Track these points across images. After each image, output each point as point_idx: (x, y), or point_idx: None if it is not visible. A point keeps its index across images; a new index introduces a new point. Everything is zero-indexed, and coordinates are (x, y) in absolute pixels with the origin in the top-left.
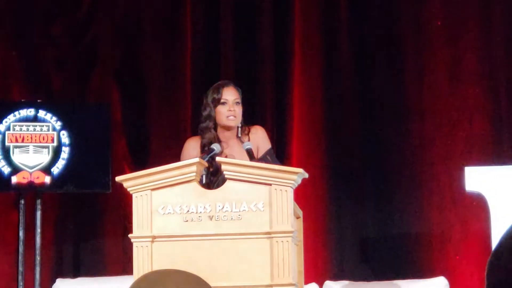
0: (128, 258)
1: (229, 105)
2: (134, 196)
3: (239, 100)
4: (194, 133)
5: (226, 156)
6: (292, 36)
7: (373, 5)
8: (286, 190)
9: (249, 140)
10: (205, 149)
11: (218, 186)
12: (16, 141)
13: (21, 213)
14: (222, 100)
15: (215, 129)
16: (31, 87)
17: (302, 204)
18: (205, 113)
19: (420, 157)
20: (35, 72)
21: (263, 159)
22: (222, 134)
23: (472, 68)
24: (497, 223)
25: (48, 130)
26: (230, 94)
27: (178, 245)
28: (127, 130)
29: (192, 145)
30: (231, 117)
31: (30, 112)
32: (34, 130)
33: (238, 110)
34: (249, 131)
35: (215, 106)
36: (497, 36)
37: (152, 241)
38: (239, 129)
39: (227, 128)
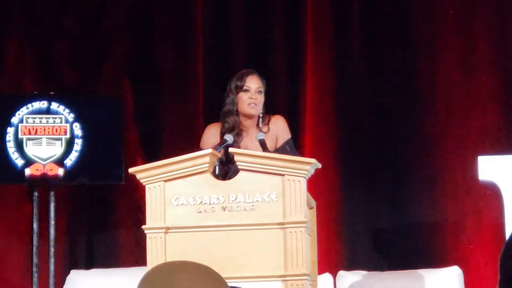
0: (141, 250)
1: (251, 93)
2: (147, 187)
3: (261, 89)
4: (207, 124)
5: (242, 147)
6: (304, 27)
7: None
8: (299, 181)
9: (268, 130)
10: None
11: (231, 176)
12: (29, 133)
13: (34, 205)
14: (245, 87)
15: (237, 113)
16: (44, 79)
17: (315, 194)
18: (227, 100)
19: (433, 147)
20: (47, 65)
21: (282, 149)
22: (243, 122)
23: (485, 57)
24: (511, 212)
25: (61, 122)
26: (253, 82)
27: (192, 236)
28: (140, 121)
29: (212, 132)
30: (252, 105)
31: (43, 104)
32: (47, 122)
33: (260, 98)
34: (269, 121)
35: (237, 93)
36: (510, 25)
37: (166, 232)
38: (260, 118)
39: (248, 116)
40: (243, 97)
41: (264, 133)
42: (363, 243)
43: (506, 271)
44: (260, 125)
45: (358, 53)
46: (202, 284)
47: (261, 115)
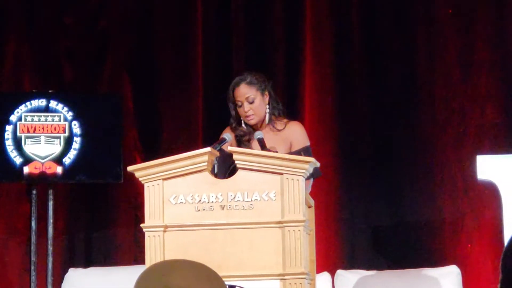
0: (140, 248)
1: (244, 106)
2: (145, 185)
3: (253, 96)
4: (206, 123)
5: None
6: (303, 26)
7: None
8: (297, 179)
9: (283, 128)
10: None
11: (231, 174)
12: (28, 131)
13: (33, 204)
14: (236, 103)
15: (240, 123)
16: (43, 77)
17: (314, 193)
18: (231, 115)
19: (432, 146)
20: (46, 62)
21: (296, 154)
22: (253, 126)
23: (483, 56)
24: (509, 212)
25: (60, 120)
26: (240, 95)
27: (190, 234)
28: (138, 120)
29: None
30: (249, 118)
31: (42, 102)
32: (46, 120)
33: (255, 106)
34: (286, 124)
35: (234, 108)
36: (509, 24)
37: (164, 231)
38: (270, 115)
39: (253, 127)
40: (239, 111)
41: (278, 130)
42: (361, 242)
43: (508, 270)
44: (273, 121)
45: (358, 52)
46: (198, 282)
47: (267, 110)
